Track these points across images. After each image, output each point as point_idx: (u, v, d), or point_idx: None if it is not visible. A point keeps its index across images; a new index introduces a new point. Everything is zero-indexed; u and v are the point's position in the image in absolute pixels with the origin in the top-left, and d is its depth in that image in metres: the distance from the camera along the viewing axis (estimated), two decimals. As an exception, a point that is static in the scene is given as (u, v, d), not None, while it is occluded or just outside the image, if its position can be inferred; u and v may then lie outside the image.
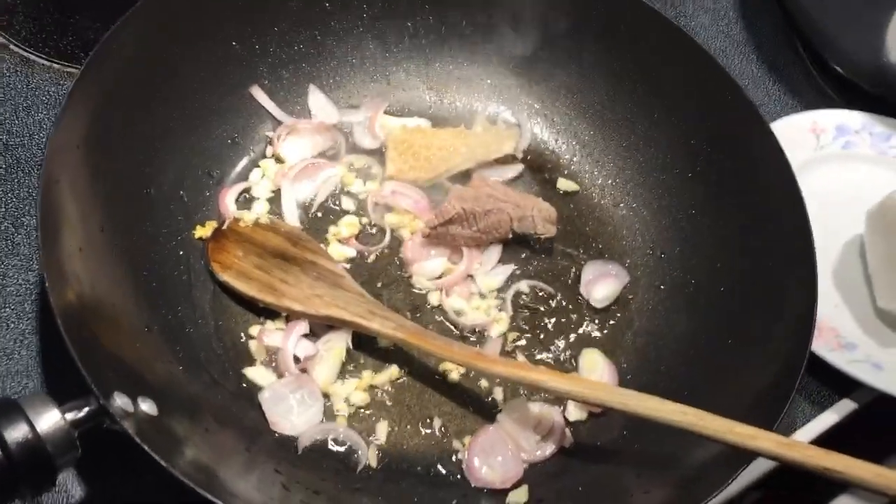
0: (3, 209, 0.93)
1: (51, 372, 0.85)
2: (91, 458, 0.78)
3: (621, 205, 1.04)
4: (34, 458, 0.64)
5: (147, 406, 0.74)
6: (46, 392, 0.82)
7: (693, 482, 0.79)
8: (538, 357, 0.93)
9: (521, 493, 0.82)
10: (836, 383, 0.97)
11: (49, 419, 0.65)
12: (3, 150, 0.96)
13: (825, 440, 0.95)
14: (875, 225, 1.02)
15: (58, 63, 1.03)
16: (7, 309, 0.87)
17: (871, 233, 1.03)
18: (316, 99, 1.05)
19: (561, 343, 0.95)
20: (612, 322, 0.97)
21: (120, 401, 0.70)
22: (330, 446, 0.84)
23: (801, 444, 0.71)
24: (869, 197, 1.04)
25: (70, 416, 0.66)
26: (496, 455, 0.84)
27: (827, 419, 0.96)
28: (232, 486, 0.73)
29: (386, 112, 1.06)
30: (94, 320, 0.76)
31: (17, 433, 0.63)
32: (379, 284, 0.95)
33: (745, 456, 0.74)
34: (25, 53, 1.03)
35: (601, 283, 0.98)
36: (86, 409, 0.68)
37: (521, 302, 0.97)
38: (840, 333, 0.98)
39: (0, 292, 0.88)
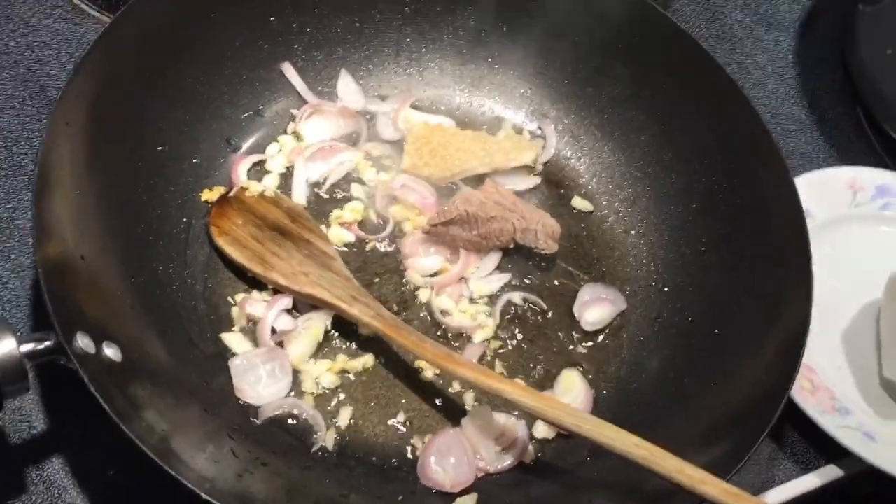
0: (28, 146, 0.96)
1: (40, 308, 0.88)
2: (58, 393, 0.81)
3: (632, 231, 1.02)
4: (-19, 380, 0.66)
5: (112, 352, 0.75)
6: (32, 325, 0.86)
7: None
8: (517, 369, 0.92)
9: (470, 500, 0.81)
10: (826, 448, 0.93)
11: (4, 346, 0.67)
12: (40, 91, 1.00)
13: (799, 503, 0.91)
14: (893, 292, 0.98)
15: (107, 16, 1.07)
16: (11, 241, 0.91)
17: (889, 299, 0.98)
18: (345, 84, 1.06)
19: (543, 359, 0.93)
20: (599, 348, 0.95)
21: (82, 341, 0.72)
22: (290, 422, 0.85)
23: (748, 496, 0.68)
24: (896, 263, 1.00)
25: (26, 347, 0.68)
26: (451, 457, 0.83)
27: (808, 482, 0.92)
28: (183, 453, 0.74)
29: (412, 106, 1.06)
30: (77, 261, 0.78)
31: (-31, 353, 0.65)
32: (372, 273, 0.95)
33: (693, 499, 0.72)
34: (78, 2, 1.07)
35: (595, 307, 0.97)
36: (45, 344, 0.70)
37: (511, 312, 0.96)
38: (836, 396, 0.94)
39: (9, 224, 0.92)
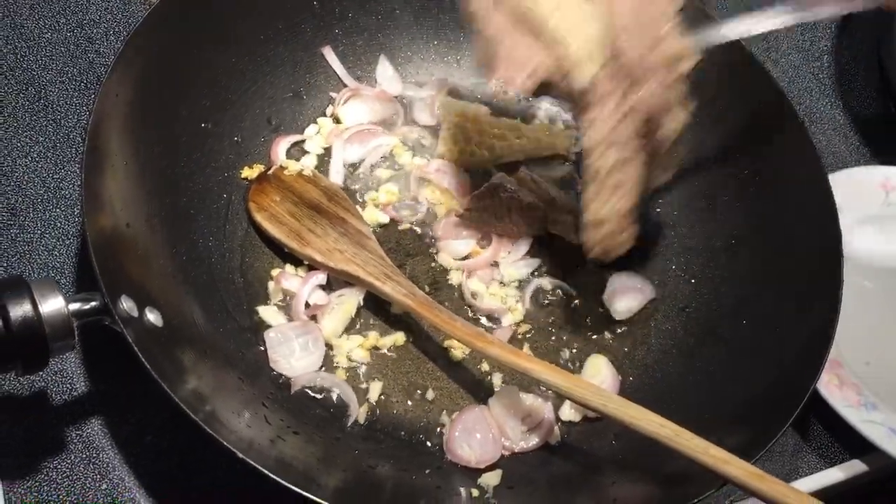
0: (76, 119, 0.99)
1: (84, 274, 0.90)
2: (99, 357, 0.84)
3: (662, 222, 1.03)
4: (32, 335, 0.68)
5: (154, 317, 0.78)
6: (75, 291, 0.88)
7: (665, 496, 0.77)
8: (544, 353, 0.93)
9: (494, 476, 0.83)
10: (851, 442, 0.94)
11: (53, 304, 0.69)
12: (88, 68, 1.03)
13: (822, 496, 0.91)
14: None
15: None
16: (58, 210, 0.93)
17: (918, 298, 0.99)
18: (384, 69, 1.08)
19: (571, 344, 0.95)
20: (627, 335, 0.96)
21: (126, 304, 0.74)
22: (321, 394, 0.87)
23: (771, 477, 0.69)
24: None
25: (73, 306, 0.71)
26: (476, 434, 0.85)
27: (831, 475, 0.93)
28: (222, 417, 0.76)
29: (448, 93, 1.08)
30: (123, 228, 0.80)
31: (20, 309, 0.68)
32: (404, 254, 0.97)
33: (715, 481, 0.73)
34: (130, -18, 1.10)
35: (625, 296, 0.97)
36: (91, 304, 0.72)
37: (541, 298, 0.97)
38: (862, 391, 0.95)
39: (55, 193, 0.94)
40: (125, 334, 0.72)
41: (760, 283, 0.95)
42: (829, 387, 0.93)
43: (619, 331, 0.96)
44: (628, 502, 0.79)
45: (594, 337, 0.96)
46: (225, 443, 0.69)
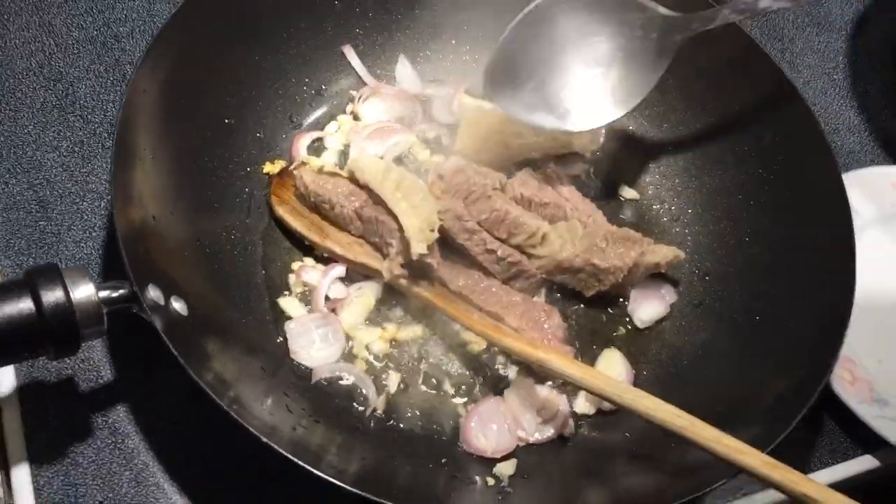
0: (103, 114, 1.01)
1: (109, 267, 0.93)
2: (126, 346, 0.86)
3: (677, 220, 1.05)
4: (63, 321, 0.70)
5: (179, 306, 0.80)
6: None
7: (678, 485, 0.79)
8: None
9: (509, 466, 0.84)
10: (863, 438, 0.94)
11: (84, 291, 0.72)
12: (115, 65, 1.06)
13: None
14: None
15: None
16: (85, 203, 0.96)
17: (931, 296, 1.00)
18: (403, 68, 1.10)
19: (585, 338, 0.96)
20: (641, 331, 0.98)
21: (153, 293, 0.76)
22: (341, 384, 0.88)
23: (785, 466, 0.70)
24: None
25: (103, 293, 0.73)
26: (492, 425, 0.86)
27: (843, 470, 0.94)
28: (245, 403, 0.78)
29: (467, 92, 1.10)
30: (149, 220, 0.83)
31: (53, 296, 0.70)
32: (422, 248, 0.99)
33: (727, 471, 0.74)
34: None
35: (650, 304, 0.98)
36: (119, 291, 0.74)
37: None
38: (874, 388, 0.96)
39: (83, 187, 0.97)
40: (153, 321, 0.74)
41: (773, 279, 0.96)
42: (842, 383, 0.94)
43: (635, 327, 0.97)
44: (641, 492, 0.80)
45: (610, 331, 0.97)
46: (249, 427, 0.71)
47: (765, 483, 0.72)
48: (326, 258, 0.95)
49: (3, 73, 1.02)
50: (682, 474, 0.80)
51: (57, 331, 0.71)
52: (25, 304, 0.69)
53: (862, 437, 0.94)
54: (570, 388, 0.90)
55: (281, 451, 0.71)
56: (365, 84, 1.07)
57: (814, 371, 0.83)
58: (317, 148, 1.04)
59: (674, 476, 0.81)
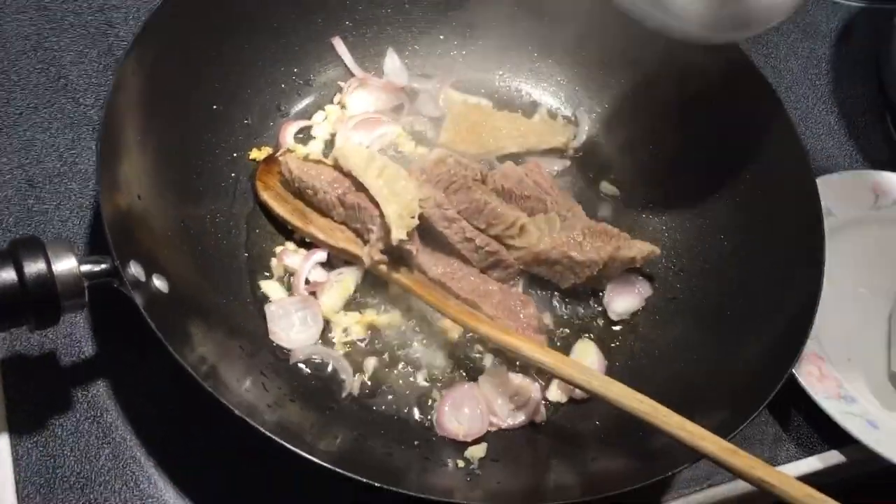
0: (94, 98, 1.03)
1: (95, 245, 0.95)
2: (106, 322, 0.88)
3: (655, 217, 1.07)
4: (45, 292, 0.72)
5: (160, 283, 0.82)
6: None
7: (643, 469, 0.81)
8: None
9: (480, 450, 0.86)
10: (830, 434, 0.96)
11: (65, 263, 0.73)
12: (108, 50, 1.07)
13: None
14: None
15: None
16: (73, 184, 0.97)
17: (901, 298, 1.02)
18: (391, 61, 1.12)
19: (560, 328, 0.98)
20: (617, 322, 0.99)
21: (135, 269, 0.78)
22: (318, 367, 0.90)
23: (744, 453, 0.72)
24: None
25: (85, 267, 0.75)
26: (465, 409, 0.88)
27: (809, 464, 0.96)
28: (223, 381, 0.80)
29: (453, 86, 1.12)
30: (134, 200, 0.84)
31: (35, 267, 0.72)
32: (403, 237, 1.00)
33: (691, 456, 0.76)
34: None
35: (624, 297, 1.00)
36: (101, 266, 0.76)
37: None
38: (842, 384, 0.97)
39: (71, 168, 0.99)
40: (133, 297, 0.76)
41: (744, 276, 0.98)
42: (810, 378, 0.96)
43: (607, 318, 0.99)
44: (608, 475, 0.82)
45: (585, 322, 0.99)
46: (227, 404, 0.73)
47: (725, 468, 0.73)
48: (309, 243, 0.96)
49: (-2, 55, 1.04)
50: (649, 459, 0.82)
51: (38, 301, 0.72)
52: (8, 274, 0.71)
53: (829, 432, 0.96)
54: (543, 376, 0.92)
55: (258, 427, 0.72)
56: (353, 75, 1.09)
57: (780, 362, 0.85)
58: (304, 137, 1.05)
59: (641, 460, 0.83)
